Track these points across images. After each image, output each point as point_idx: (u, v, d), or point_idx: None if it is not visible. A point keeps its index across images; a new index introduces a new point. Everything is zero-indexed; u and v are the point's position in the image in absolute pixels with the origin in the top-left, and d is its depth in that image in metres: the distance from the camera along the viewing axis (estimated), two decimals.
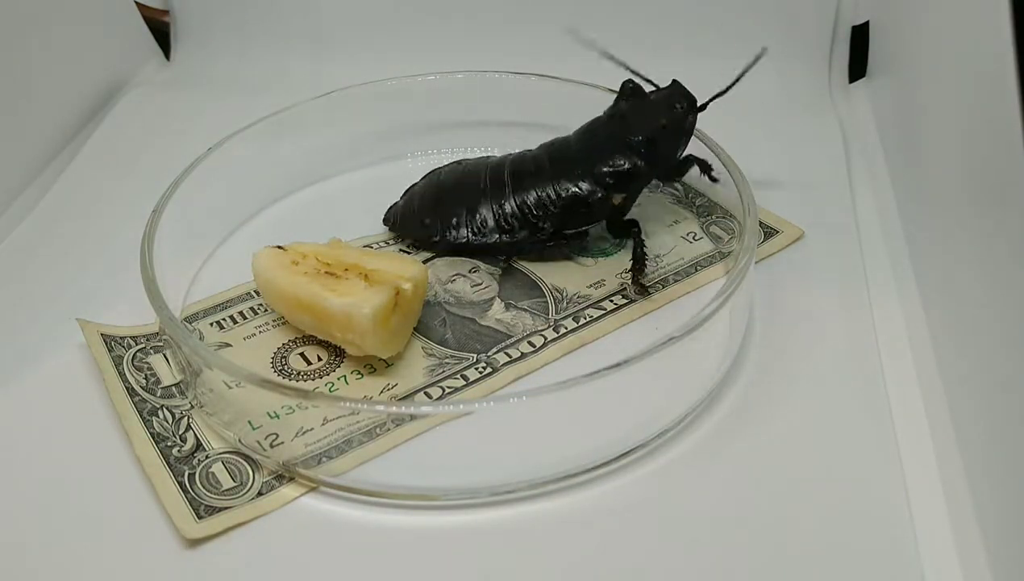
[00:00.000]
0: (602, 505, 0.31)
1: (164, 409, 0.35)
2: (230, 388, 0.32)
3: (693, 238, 0.42)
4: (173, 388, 0.35)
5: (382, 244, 0.42)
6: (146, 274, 0.35)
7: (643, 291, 0.39)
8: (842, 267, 0.40)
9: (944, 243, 0.38)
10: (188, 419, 0.34)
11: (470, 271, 0.41)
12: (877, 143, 0.48)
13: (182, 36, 0.59)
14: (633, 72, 0.40)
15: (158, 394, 0.35)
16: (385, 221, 0.43)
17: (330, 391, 0.35)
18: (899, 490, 0.31)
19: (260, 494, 0.32)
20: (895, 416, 0.34)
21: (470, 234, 0.40)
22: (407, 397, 0.35)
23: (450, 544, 0.31)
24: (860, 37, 0.54)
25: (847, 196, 0.44)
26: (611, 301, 0.39)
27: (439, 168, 0.43)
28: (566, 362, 0.36)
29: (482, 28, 0.55)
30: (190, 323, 0.38)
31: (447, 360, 0.36)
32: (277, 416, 0.32)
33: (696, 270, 0.40)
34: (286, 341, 0.37)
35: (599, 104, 0.41)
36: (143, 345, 0.37)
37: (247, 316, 0.39)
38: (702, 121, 0.43)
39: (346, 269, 0.36)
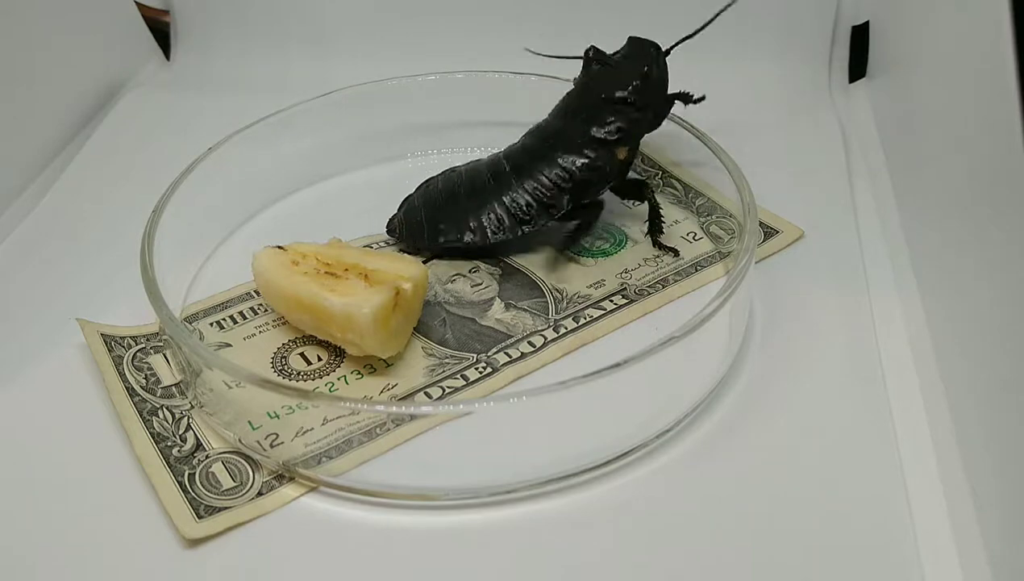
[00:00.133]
0: (602, 505, 0.31)
1: (164, 409, 0.35)
2: (230, 388, 0.32)
3: (693, 238, 0.42)
4: (173, 388, 0.35)
5: (382, 244, 0.42)
6: (146, 274, 0.35)
7: (663, 248, 0.41)
8: (842, 267, 0.40)
9: (944, 243, 0.38)
10: (188, 419, 0.34)
11: (470, 271, 0.41)
12: (877, 143, 0.48)
13: (182, 36, 0.59)
14: (598, 61, 0.41)
15: (158, 394, 0.35)
16: (391, 232, 0.42)
17: (330, 391, 0.35)
18: (899, 490, 0.31)
19: (260, 494, 0.32)
20: (895, 416, 0.34)
21: (490, 233, 0.40)
22: (407, 397, 0.35)
23: (450, 544, 0.31)
24: (860, 37, 0.54)
25: (847, 196, 0.44)
26: (611, 301, 0.39)
27: (433, 177, 0.43)
28: (566, 362, 0.36)
29: (482, 28, 0.55)
30: (190, 323, 0.38)
31: (447, 360, 0.36)
32: (277, 416, 0.32)
33: (696, 270, 0.40)
34: (286, 341, 0.37)
35: None
36: (143, 345, 0.37)
37: (247, 316, 0.39)
38: (702, 121, 0.43)
39: (346, 269, 0.36)
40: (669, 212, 0.43)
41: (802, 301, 0.39)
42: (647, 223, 0.41)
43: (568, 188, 0.40)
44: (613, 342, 0.37)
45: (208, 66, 0.57)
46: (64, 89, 0.52)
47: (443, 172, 0.43)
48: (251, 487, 0.32)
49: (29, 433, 0.35)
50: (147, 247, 0.36)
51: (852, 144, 0.48)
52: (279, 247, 0.37)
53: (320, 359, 0.36)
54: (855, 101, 0.52)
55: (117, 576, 0.30)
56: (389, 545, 0.31)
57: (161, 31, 0.59)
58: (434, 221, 0.41)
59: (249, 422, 0.33)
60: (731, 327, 0.35)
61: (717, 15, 0.42)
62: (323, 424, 0.32)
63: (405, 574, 0.30)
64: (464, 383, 0.35)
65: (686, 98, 0.43)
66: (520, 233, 0.40)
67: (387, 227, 0.43)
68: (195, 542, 0.30)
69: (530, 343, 0.37)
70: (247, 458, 0.33)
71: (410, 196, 0.43)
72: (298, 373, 0.36)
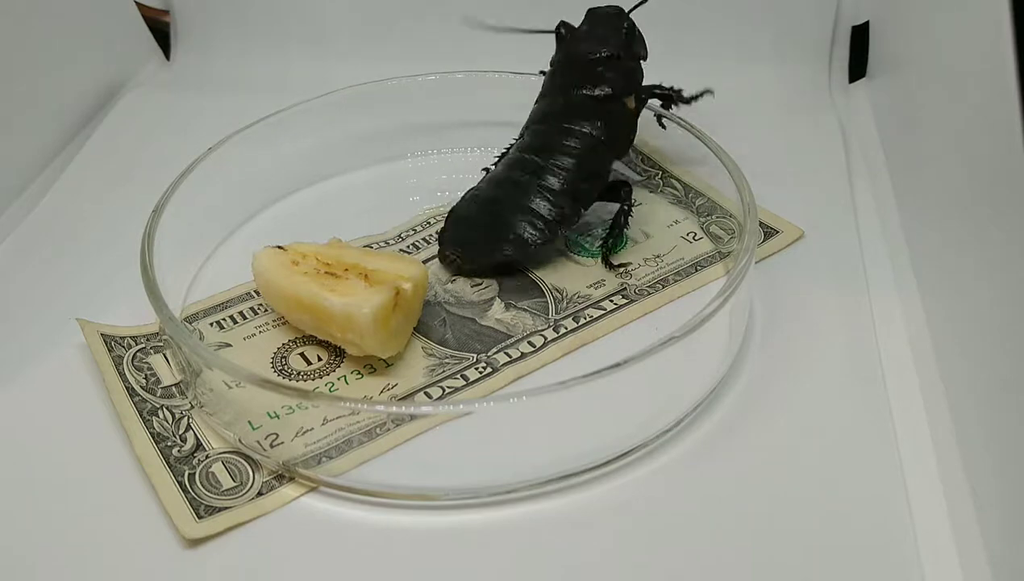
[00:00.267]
0: (602, 505, 0.31)
1: (164, 409, 0.35)
2: (230, 388, 0.32)
3: (693, 238, 0.42)
4: (173, 388, 0.35)
5: (382, 244, 0.42)
6: (146, 274, 0.35)
7: (611, 267, 0.40)
8: (842, 267, 0.40)
9: (944, 243, 0.38)
10: (188, 419, 0.34)
11: None
12: (877, 143, 0.48)
13: (182, 36, 0.59)
14: (545, 31, 0.42)
15: (158, 394, 0.35)
16: (448, 259, 0.40)
17: (330, 391, 0.35)
18: (899, 490, 0.31)
19: (260, 494, 0.32)
20: (895, 416, 0.34)
21: (552, 228, 0.39)
22: (407, 397, 0.35)
23: (450, 544, 0.31)
24: (860, 37, 0.54)
25: (847, 196, 0.44)
26: (611, 301, 0.39)
27: (460, 203, 0.42)
28: (566, 362, 0.36)
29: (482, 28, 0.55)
30: (190, 323, 0.38)
31: (447, 360, 0.36)
32: (277, 416, 0.32)
33: (696, 270, 0.40)
34: (286, 341, 0.37)
35: None
36: (143, 345, 0.37)
37: (247, 316, 0.39)
38: (702, 121, 0.43)
39: (346, 269, 0.36)
40: (669, 212, 0.43)
41: (802, 301, 0.39)
42: (606, 233, 0.41)
43: (597, 156, 0.40)
44: (613, 342, 0.37)
45: (208, 66, 0.57)
46: (64, 89, 0.52)
47: (468, 194, 0.42)
48: (251, 487, 0.32)
49: (29, 433, 0.35)
50: (147, 247, 0.36)
51: (852, 144, 0.48)
52: (279, 247, 0.37)
53: (320, 359, 0.36)
54: (855, 101, 0.52)
55: (117, 576, 0.30)
56: (389, 545, 0.31)
57: (161, 31, 0.59)
58: (473, 243, 0.40)
59: (249, 422, 0.33)
60: (731, 327, 0.35)
61: None
62: (323, 424, 0.32)
63: (405, 574, 0.30)
64: (464, 383, 0.35)
65: (679, 96, 0.44)
66: (581, 213, 0.40)
67: (443, 254, 0.41)
68: (195, 542, 0.30)
69: (530, 343, 0.37)
70: (247, 458, 0.33)
71: (443, 230, 0.41)
72: (298, 373, 0.36)
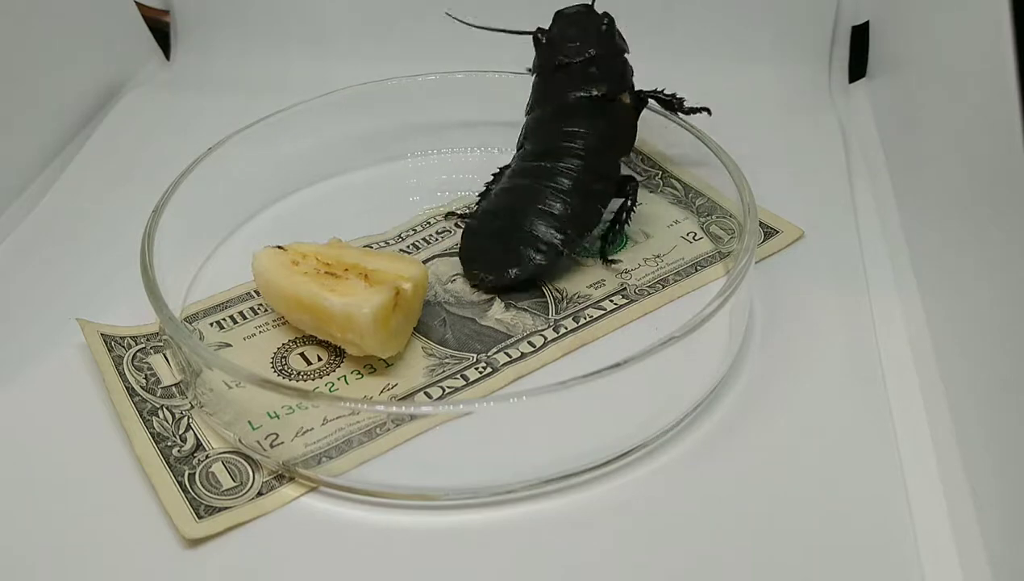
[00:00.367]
0: (602, 505, 0.31)
1: (164, 409, 0.35)
2: (230, 388, 0.32)
3: (693, 238, 0.42)
4: (173, 388, 0.35)
5: (382, 244, 0.42)
6: (146, 274, 0.35)
7: (609, 263, 0.40)
8: (842, 267, 0.40)
9: (944, 243, 0.38)
10: (188, 419, 0.34)
11: None
12: (877, 143, 0.48)
13: (182, 36, 0.59)
14: (523, 32, 0.42)
15: (158, 394, 0.35)
16: (476, 278, 0.39)
17: (330, 391, 0.35)
18: (899, 490, 0.31)
19: (260, 494, 0.32)
20: (895, 416, 0.34)
21: (575, 233, 0.39)
22: (407, 397, 0.35)
23: (450, 544, 0.31)
24: (860, 37, 0.54)
25: (847, 196, 0.44)
26: (611, 301, 0.39)
27: (487, 203, 0.41)
28: (566, 362, 0.36)
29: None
30: (190, 323, 0.38)
31: (447, 360, 0.36)
32: (277, 416, 0.32)
33: (696, 270, 0.40)
34: (286, 341, 0.37)
35: None
36: (143, 345, 0.37)
37: (247, 316, 0.39)
38: (702, 121, 0.43)
39: (346, 269, 0.36)
40: (669, 212, 0.43)
41: (802, 301, 0.39)
42: (607, 226, 0.40)
43: (603, 156, 0.40)
44: (613, 342, 0.37)
45: (208, 66, 0.57)
46: (64, 89, 0.52)
47: (479, 210, 0.41)
48: (251, 487, 0.32)
49: (29, 433, 0.35)
50: (147, 247, 0.36)
51: (852, 144, 0.48)
52: (279, 247, 0.37)
53: (320, 359, 0.36)
54: (855, 101, 0.52)
55: (117, 576, 0.30)
56: (389, 545, 0.31)
57: (161, 31, 0.59)
58: (498, 260, 0.39)
59: (249, 422, 0.33)
60: (731, 327, 0.35)
61: None
62: (323, 424, 0.32)
63: (405, 574, 0.30)
64: (464, 383, 0.35)
65: (680, 104, 0.44)
66: (577, 246, 0.40)
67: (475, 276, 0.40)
68: (195, 542, 0.30)
69: (530, 343, 0.37)
70: (247, 458, 0.33)
71: (462, 249, 0.41)
72: (298, 373, 0.36)
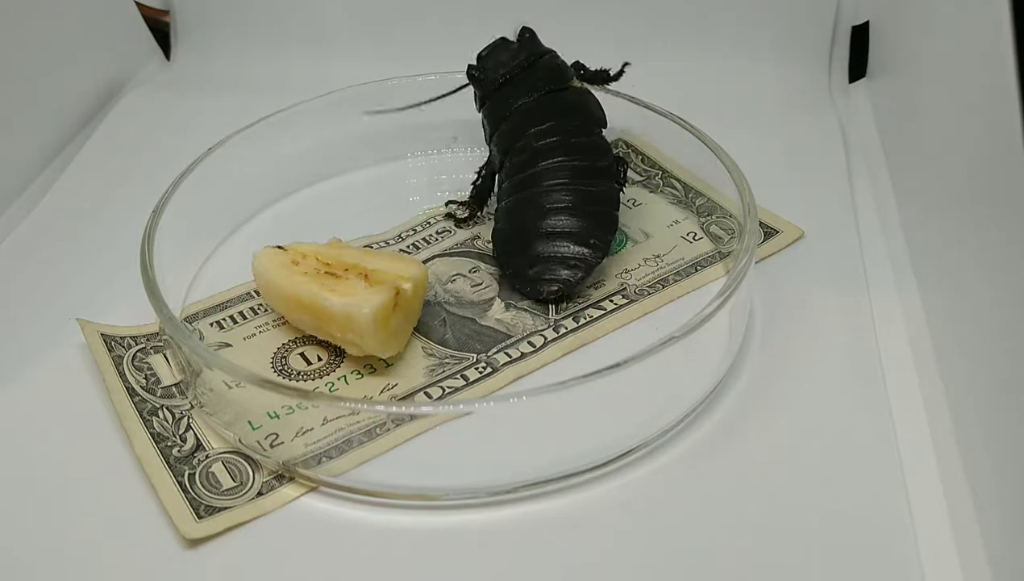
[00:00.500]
0: (602, 505, 0.31)
1: (164, 409, 0.35)
2: (230, 388, 0.32)
3: (693, 238, 0.42)
4: (173, 388, 0.35)
5: (382, 244, 0.42)
6: (146, 274, 0.35)
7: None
8: (842, 267, 0.40)
9: (944, 243, 0.38)
10: (188, 419, 0.34)
11: (470, 271, 0.41)
12: (877, 143, 0.48)
13: (182, 36, 0.59)
14: (453, 92, 0.43)
15: (158, 394, 0.35)
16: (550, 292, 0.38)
17: (330, 391, 0.35)
18: (899, 490, 0.31)
19: (260, 494, 0.32)
20: (895, 416, 0.34)
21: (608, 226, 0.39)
22: (407, 397, 0.35)
23: (450, 544, 0.31)
24: (860, 37, 0.54)
25: (847, 196, 0.44)
26: (611, 301, 0.39)
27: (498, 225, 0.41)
28: (566, 362, 0.36)
29: (482, 28, 0.55)
30: (190, 323, 0.38)
31: (447, 360, 0.36)
32: (277, 416, 0.32)
33: (696, 270, 0.40)
34: (286, 341, 0.37)
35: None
36: (143, 345, 0.37)
37: (247, 316, 0.39)
38: (702, 122, 0.43)
39: (346, 269, 0.36)
40: (669, 212, 0.43)
41: (802, 301, 0.39)
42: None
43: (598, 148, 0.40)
44: (613, 342, 0.37)
45: (208, 66, 0.57)
46: (64, 89, 0.52)
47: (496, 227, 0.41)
48: (251, 487, 0.32)
49: (29, 433, 0.35)
50: (147, 247, 0.36)
51: (852, 144, 0.48)
52: (279, 247, 0.37)
53: (320, 359, 0.36)
54: (855, 101, 0.52)
55: (117, 576, 0.30)
56: (389, 545, 0.31)
57: (161, 31, 0.59)
58: (525, 274, 0.39)
59: (249, 422, 0.33)
60: (731, 327, 0.35)
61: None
62: (323, 424, 0.32)
63: (405, 574, 0.30)
64: (464, 383, 0.35)
65: (606, 75, 0.44)
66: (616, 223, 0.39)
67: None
68: (195, 542, 0.30)
69: (530, 343, 0.37)
70: (247, 458, 0.33)
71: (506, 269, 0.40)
72: (298, 373, 0.36)
